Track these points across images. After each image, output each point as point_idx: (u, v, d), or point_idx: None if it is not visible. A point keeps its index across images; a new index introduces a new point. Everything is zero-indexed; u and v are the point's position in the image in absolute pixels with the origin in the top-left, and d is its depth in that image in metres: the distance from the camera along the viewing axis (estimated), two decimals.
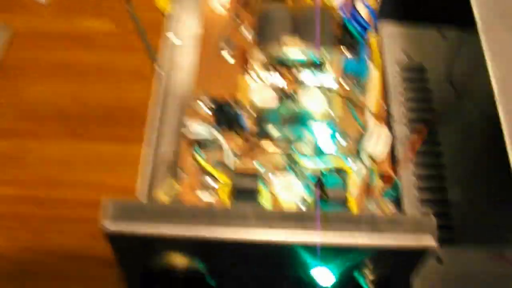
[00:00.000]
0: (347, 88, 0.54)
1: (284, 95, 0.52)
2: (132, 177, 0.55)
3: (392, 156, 0.51)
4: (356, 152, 0.51)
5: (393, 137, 0.54)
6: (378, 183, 0.47)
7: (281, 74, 0.53)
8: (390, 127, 0.55)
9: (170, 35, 0.60)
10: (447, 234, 0.53)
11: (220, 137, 0.48)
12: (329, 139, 0.48)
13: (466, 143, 0.59)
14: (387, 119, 0.55)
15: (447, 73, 0.64)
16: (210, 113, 0.51)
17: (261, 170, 0.48)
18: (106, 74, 0.67)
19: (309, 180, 0.48)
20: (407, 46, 0.67)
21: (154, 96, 0.53)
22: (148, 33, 0.69)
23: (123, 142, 0.61)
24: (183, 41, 0.65)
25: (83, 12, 0.72)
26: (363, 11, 0.55)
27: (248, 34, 0.57)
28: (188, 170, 0.48)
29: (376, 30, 0.55)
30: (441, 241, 0.52)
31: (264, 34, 0.54)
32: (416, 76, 0.65)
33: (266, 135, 0.48)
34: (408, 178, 0.54)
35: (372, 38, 0.56)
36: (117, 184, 0.58)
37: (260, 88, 0.51)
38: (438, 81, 0.64)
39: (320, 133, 0.48)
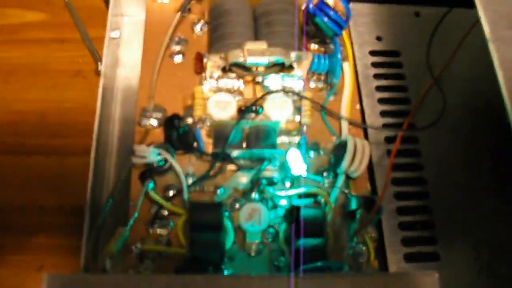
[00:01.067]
0: (317, 89, 0.47)
1: (245, 104, 0.45)
2: (74, 195, 0.48)
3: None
4: (329, 164, 0.44)
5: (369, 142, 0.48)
6: (361, 212, 0.40)
7: (242, 79, 0.46)
8: (365, 130, 0.49)
9: (109, 26, 0.52)
10: (432, 249, 0.48)
11: (172, 160, 0.41)
12: (299, 158, 0.41)
13: (447, 146, 0.53)
14: (362, 120, 0.49)
15: (423, 56, 0.57)
16: (155, 124, 0.44)
17: (222, 197, 0.42)
18: (38, 74, 0.58)
19: (280, 209, 0.41)
20: (378, 28, 0.60)
21: (96, 111, 0.45)
22: (87, 24, 0.60)
23: (61, 156, 0.53)
24: (127, 32, 0.57)
25: (11, 2, 0.63)
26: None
27: (199, 29, 0.50)
28: (137, 200, 0.41)
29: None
30: (426, 258, 0.49)
31: (219, 31, 0.46)
32: (389, 61, 0.58)
33: (226, 156, 0.41)
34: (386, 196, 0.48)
35: (345, 35, 0.49)
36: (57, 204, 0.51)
37: (218, 96, 0.44)
38: (413, 65, 0.58)
39: (289, 153, 0.41)
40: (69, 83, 0.58)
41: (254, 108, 0.42)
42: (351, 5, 0.60)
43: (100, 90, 0.47)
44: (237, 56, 0.42)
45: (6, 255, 0.49)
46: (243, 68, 0.44)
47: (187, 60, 0.48)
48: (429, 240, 0.49)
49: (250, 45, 0.42)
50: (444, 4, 0.62)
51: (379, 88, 0.56)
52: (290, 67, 0.45)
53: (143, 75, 0.47)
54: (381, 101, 0.55)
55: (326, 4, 0.45)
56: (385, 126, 0.53)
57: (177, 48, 0.49)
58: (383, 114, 0.54)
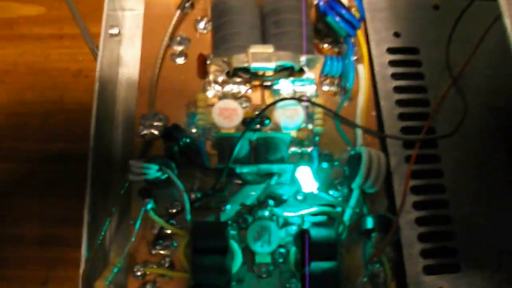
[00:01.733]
0: (330, 93, 0.44)
1: (253, 111, 0.42)
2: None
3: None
4: (343, 176, 0.41)
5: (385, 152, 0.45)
6: (377, 235, 0.37)
7: (249, 84, 0.43)
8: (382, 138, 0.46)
9: (105, 21, 0.49)
10: (453, 260, 0.45)
11: (173, 176, 0.38)
12: (310, 176, 0.38)
13: (467, 151, 0.50)
14: (378, 126, 0.45)
15: (443, 53, 0.54)
16: (156, 133, 0.41)
17: (229, 215, 0.39)
18: (37, 73, 0.55)
19: (290, 228, 0.39)
20: (396, 23, 0.56)
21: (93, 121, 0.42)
22: (87, 19, 0.56)
23: (63, 161, 0.51)
24: (128, 28, 0.53)
25: None
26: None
27: (203, 27, 0.46)
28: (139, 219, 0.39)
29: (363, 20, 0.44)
30: (447, 270, 0.46)
31: (222, 32, 0.42)
32: (408, 59, 0.55)
33: (232, 172, 0.38)
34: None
35: (360, 34, 0.45)
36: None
37: (223, 103, 0.41)
38: (433, 63, 0.54)
39: (299, 170, 0.38)
40: (70, 83, 0.55)
41: (260, 119, 0.39)
42: None
43: (95, 94, 0.44)
44: (241, 61, 0.39)
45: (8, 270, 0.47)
46: (249, 73, 0.41)
47: (190, 62, 0.45)
48: (450, 251, 0.46)
49: (255, 49, 0.39)
50: None
51: (397, 89, 0.52)
52: (301, 71, 0.42)
53: (142, 79, 0.44)
54: (399, 103, 0.51)
55: (338, 2, 0.41)
56: (403, 129, 0.50)
57: (178, 48, 0.45)
58: (401, 116, 0.51)
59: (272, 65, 0.39)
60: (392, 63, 0.54)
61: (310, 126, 0.42)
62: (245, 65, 0.39)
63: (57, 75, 0.55)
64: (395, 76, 0.53)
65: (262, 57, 0.39)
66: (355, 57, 0.43)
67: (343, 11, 0.40)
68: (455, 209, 0.48)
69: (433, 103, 0.52)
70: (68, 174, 0.49)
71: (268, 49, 0.39)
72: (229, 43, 0.41)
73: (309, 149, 0.41)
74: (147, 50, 0.45)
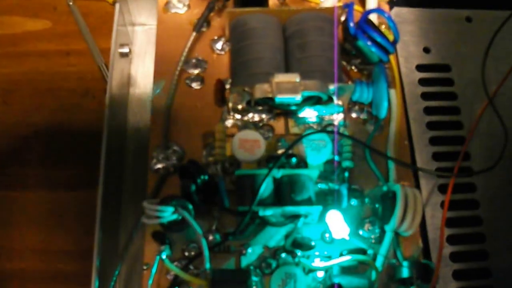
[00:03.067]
0: (360, 121, 0.40)
1: (276, 143, 0.38)
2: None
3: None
4: (374, 215, 0.38)
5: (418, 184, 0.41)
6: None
7: (271, 114, 0.39)
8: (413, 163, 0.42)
9: (114, 38, 0.45)
10: None
11: (189, 219, 0.34)
12: (340, 220, 0.35)
13: (505, 180, 0.46)
14: (411, 156, 0.42)
15: (477, 70, 0.50)
16: (171, 169, 0.38)
17: (251, 259, 0.35)
18: (43, 94, 0.52)
19: (317, 274, 0.35)
20: (425, 37, 0.53)
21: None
22: (95, 33, 0.53)
23: (69, 188, 0.47)
24: (139, 45, 0.50)
25: (11, 9, 0.56)
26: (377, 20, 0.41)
27: (220, 48, 0.43)
28: (151, 266, 0.35)
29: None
30: None
31: (243, 57, 0.39)
32: (439, 77, 0.51)
33: (255, 215, 0.35)
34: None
35: (392, 59, 0.41)
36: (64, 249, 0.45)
37: (243, 134, 0.37)
38: (466, 82, 0.51)
39: (328, 215, 0.35)
40: (77, 104, 0.51)
41: (286, 158, 0.35)
42: (394, 10, 0.53)
43: (105, 121, 0.40)
44: (265, 92, 0.35)
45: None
46: (272, 102, 0.37)
47: (207, 87, 0.41)
48: None
49: (280, 78, 0.35)
50: (501, 7, 0.54)
51: (428, 110, 0.48)
52: (329, 99, 0.38)
53: (155, 105, 0.40)
54: (430, 125, 0.48)
55: (370, 24, 0.37)
56: (435, 155, 0.46)
57: (194, 71, 0.42)
58: (433, 141, 0.47)
59: (299, 96, 0.35)
60: (422, 82, 0.50)
61: (338, 159, 0.38)
62: (269, 95, 0.35)
63: (64, 95, 0.51)
64: (425, 96, 0.49)
65: (287, 87, 0.35)
66: (386, 83, 0.39)
67: (376, 36, 0.37)
68: (491, 243, 0.44)
69: (468, 126, 0.48)
70: (75, 204, 0.46)
71: (294, 78, 0.36)
72: (250, 69, 0.38)
73: (338, 186, 0.37)
74: (160, 73, 0.42)
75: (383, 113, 0.38)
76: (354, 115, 0.41)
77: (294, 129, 0.39)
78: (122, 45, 0.47)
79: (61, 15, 0.56)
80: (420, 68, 0.51)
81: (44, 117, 0.50)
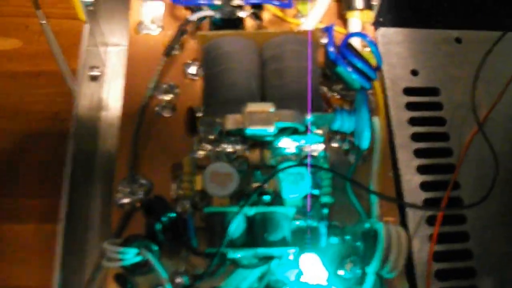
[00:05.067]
0: (340, 151, 0.38)
1: (251, 176, 0.35)
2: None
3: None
4: (355, 254, 0.35)
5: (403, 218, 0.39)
6: None
7: (245, 145, 0.36)
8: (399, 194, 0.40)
9: (82, 58, 0.43)
10: None
11: (154, 263, 0.31)
12: (318, 265, 0.32)
13: (495, 210, 0.44)
14: (396, 189, 0.39)
15: (467, 94, 0.48)
16: (137, 203, 0.35)
17: None
18: (10, 116, 0.49)
19: None
20: (413, 59, 0.50)
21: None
22: (68, 53, 0.50)
23: (30, 218, 0.45)
24: (111, 66, 0.48)
25: None
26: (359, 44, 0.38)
27: (194, 72, 0.40)
28: None
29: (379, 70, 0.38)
30: None
31: (215, 83, 0.36)
32: (427, 101, 0.49)
33: (225, 256, 0.32)
34: None
35: (376, 85, 0.39)
36: None
37: (215, 167, 0.35)
38: (455, 106, 0.48)
39: (303, 259, 0.32)
40: (44, 128, 0.48)
41: (259, 194, 0.33)
42: (381, 30, 0.51)
43: (68, 147, 0.38)
44: (237, 122, 0.33)
45: None
46: (245, 133, 0.35)
47: (178, 114, 0.39)
48: None
49: (253, 107, 0.33)
50: (491, 28, 0.52)
51: (415, 137, 0.46)
52: (307, 129, 0.36)
53: (123, 133, 0.38)
54: (418, 153, 0.45)
55: (351, 49, 0.35)
56: (424, 185, 0.44)
57: (165, 98, 0.39)
58: (421, 169, 0.45)
59: (272, 128, 0.33)
60: (409, 106, 0.48)
61: (316, 193, 0.36)
62: (241, 127, 0.33)
63: (32, 118, 0.49)
64: (413, 121, 0.47)
65: (260, 118, 0.33)
66: (368, 110, 0.37)
67: (358, 62, 0.34)
68: (482, 277, 0.42)
69: (457, 152, 0.46)
70: (39, 237, 0.43)
71: (268, 108, 0.33)
72: (222, 97, 0.35)
73: (316, 223, 0.34)
74: (129, 99, 0.39)
75: (365, 144, 0.36)
76: (335, 145, 0.38)
77: (271, 161, 0.36)
78: (92, 67, 0.45)
79: (33, 34, 0.53)
80: (407, 91, 0.48)
81: (10, 140, 0.48)
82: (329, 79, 0.39)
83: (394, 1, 0.52)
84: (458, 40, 0.51)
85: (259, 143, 0.37)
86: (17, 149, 0.48)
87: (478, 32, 0.52)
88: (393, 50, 0.50)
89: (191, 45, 0.41)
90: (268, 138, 0.36)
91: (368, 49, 0.40)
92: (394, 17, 0.52)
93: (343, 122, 0.37)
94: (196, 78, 0.40)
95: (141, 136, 0.38)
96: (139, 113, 0.37)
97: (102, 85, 0.47)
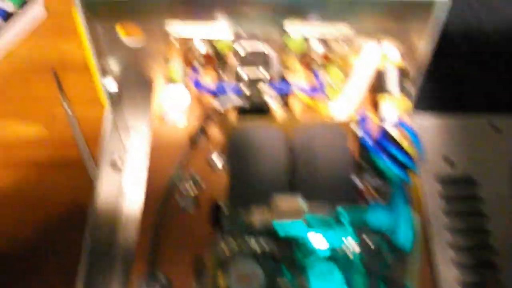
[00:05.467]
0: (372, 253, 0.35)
1: (278, 270, 0.33)
2: None
3: None
4: None
5: None
6: None
7: (272, 240, 0.34)
8: None
9: (108, 156, 0.42)
10: None
11: None
12: None
13: None
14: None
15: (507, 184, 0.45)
16: None
17: None
18: (30, 206, 0.48)
19: None
20: (447, 147, 0.48)
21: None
22: (90, 142, 0.50)
23: None
24: (132, 155, 0.46)
25: (6, 113, 0.54)
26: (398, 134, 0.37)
27: (219, 164, 0.38)
28: None
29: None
30: None
31: (240, 175, 0.35)
32: (464, 193, 0.46)
33: None
34: None
35: (415, 179, 0.37)
36: None
37: (240, 266, 0.32)
38: (495, 198, 0.46)
39: None
40: (64, 218, 0.47)
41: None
42: (416, 116, 0.49)
43: (87, 237, 0.36)
44: (263, 215, 0.31)
45: None
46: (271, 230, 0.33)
47: (202, 207, 0.37)
48: None
49: (281, 202, 0.31)
50: None
51: (453, 232, 0.43)
52: (338, 222, 0.33)
53: (143, 225, 0.36)
54: (456, 248, 0.42)
55: (390, 138, 0.33)
56: (465, 285, 0.40)
57: (188, 190, 0.37)
58: (461, 266, 0.41)
59: (304, 230, 0.31)
60: (445, 198, 0.45)
61: None
62: (267, 220, 0.31)
63: (52, 207, 0.47)
64: (449, 214, 0.44)
65: (289, 213, 0.30)
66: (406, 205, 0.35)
67: (397, 152, 0.32)
68: None
69: (500, 250, 0.43)
70: None
71: (297, 200, 0.31)
72: (248, 190, 0.33)
73: None
74: (151, 190, 0.37)
75: (403, 242, 0.33)
76: (369, 241, 0.36)
77: (299, 256, 0.34)
78: (113, 154, 0.43)
79: (59, 123, 0.53)
80: (442, 181, 0.46)
81: (29, 230, 0.46)
82: (363, 171, 0.37)
83: (429, 86, 0.51)
84: (496, 128, 0.49)
85: (287, 237, 0.34)
86: (35, 238, 0.46)
87: None
88: (425, 137, 0.48)
89: (216, 133, 0.39)
90: (297, 233, 0.33)
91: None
92: (430, 103, 0.51)
93: (377, 217, 0.34)
94: (221, 169, 0.38)
95: (162, 229, 0.36)
96: (160, 207, 0.35)
97: (123, 173, 0.45)
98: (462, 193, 0.45)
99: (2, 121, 0.53)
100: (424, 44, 0.38)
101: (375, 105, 0.41)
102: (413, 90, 0.40)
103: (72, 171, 0.49)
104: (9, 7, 0.59)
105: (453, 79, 0.53)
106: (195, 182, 0.37)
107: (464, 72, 0.53)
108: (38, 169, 0.50)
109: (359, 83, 0.39)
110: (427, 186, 0.46)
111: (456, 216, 0.44)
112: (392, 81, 0.39)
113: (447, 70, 0.53)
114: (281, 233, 0.33)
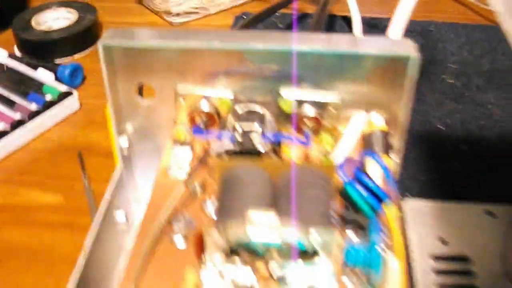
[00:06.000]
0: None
1: None
2: None
3: None
4: None
5: None
6: None
7: (251, 267, 0.35)
8: None
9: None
10: None
11: None
12: None
13: None
14: None
15: (502, 262, 0.45)
16: None
17: None
18: (38, 259, 0.50)
19: None
20: (441, 229, 0.49)
21: None
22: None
23: None
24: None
25: (32, 183, 0.58)
26: (376, 173, 0.39)
27: (212, 211, 0.41)
28: None
29: (396, 202, 0.38)
30: None
31: (225, 203, 0.37)
32: (458, 269, 0.46)
33: None
34: None
35: (390, 213, 0.39)
36: None
37: None
38: (489, 275, 0.46)
39: None
40: (68, 269, 0.49)
41: None
42: (409, 202, 0.51)
43: None
44: (239, 230, 0.33)
45: None
46: (252, 251, 0.34)
47: (190, 245, 0.39)
48: None
49: (256, 216, 0.33)
50: None
51: None
52: (315, 254, 0.35)
53: (130, 260, 0.38)
54: None
55: (369, 177, 0.36)
56: None
57: (180, 229, 0.40)
58: None
59: (276, 238, 0.32)
60: (438, 272, 0.46)
61: None
62: (249, 239, 0.32)
63: (57, 262, 0.50)
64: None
65: (269, 230, 0.33)
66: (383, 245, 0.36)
67: (370, 183, 0.35)
68: None
69: None
70: None
71: (271, 217, 0.33)
72: (230, 213, 0.36)
73: None
74: (145, 229, 0.40)
75: (376, 268, 0.34)
76: (346, 280, 0.36)
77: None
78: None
79: (76, 193, 0.57)
80: (435, 258, 0.47)
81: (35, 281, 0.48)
82: (344, 219, 0.39)
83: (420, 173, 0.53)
84: (491, 214, 0.51)
85: (269, 276, 0.36)
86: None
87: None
88: (420, 220, 0.50)
89: (212, 184, 0.42)
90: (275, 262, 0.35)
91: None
92: (422, 189, 0.53)
93: (357, 255, 0.36)
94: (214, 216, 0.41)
95: (152, 262, 0.38)
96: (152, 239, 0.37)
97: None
98: (455, 267, 0.46)
99: (27, 190, 0.57)
100: (402, 108, 0.41)
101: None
102: (398, 153, 0.43)
103: (83, 233, 0.52)
104: (48, 97, 0.66)
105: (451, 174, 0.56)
106: (187, 222, 0.40)
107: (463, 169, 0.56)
108: (51, 231, 0.53)
109: (346, 146, 0.43)
110: (419, 263, 0.47)
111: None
112: (377, 143, 0.42)
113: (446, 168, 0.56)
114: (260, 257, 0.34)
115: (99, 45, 0.43)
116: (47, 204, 0.56)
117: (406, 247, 0.44)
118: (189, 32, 0.44)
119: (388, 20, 0.49)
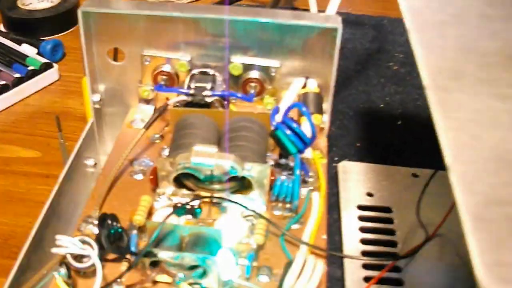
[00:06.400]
0: (281, 217, 0.43)
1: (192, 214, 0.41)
2: None
3: None
4: None
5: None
6: None
7: (194, 193, 0.43)
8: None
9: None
10: None
11: (93, 256, 0.36)
12: (231, 261, 0.36)
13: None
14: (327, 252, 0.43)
15: (416, 211, 0.53)
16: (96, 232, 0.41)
17: None
18: (15, 202, 0.57)
19: None
20: (369, 184, 0.57)
21: None
22: None
23: None
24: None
25: (12, 140, 0.65)
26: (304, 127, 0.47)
27: (167, 153, 0.48)
28: None
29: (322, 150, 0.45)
30: None
31: (177, 142, 0.45)
32: (379, 216, 0.54)
33: (156, 262, 0.37)
34: None
35: (315, 156, 0.46)
36: None
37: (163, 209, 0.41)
38: (404, 222, 0.53)
39: (219, 254, 0.36)
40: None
41: (190, 207, 0.38)
42: (342, 163, 0.59)
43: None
44: (185, 158, 0.40)
45: None
46: (196, 180, 0.42)
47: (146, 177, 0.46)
48: None
49: (199, 147, 0.40)
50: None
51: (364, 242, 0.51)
52: (249, 187, 0.42)
53: (95, 189, 0.45)
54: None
55: (291, 119, 0.43)
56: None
57: (140, 168, 0.47)
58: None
59: (212, 162, 0.40)
60: (362, 218, 0.53)
61: (251, 241, 0.41)
62: (193, 168, 0.40)
63: (33, 205, 0.56)
64: (363, 230, 0.52)
65: (204, 154, 0.40)
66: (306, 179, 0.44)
67: (295, 125, 0.42)
68: None
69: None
70: None
71: (212, 149, 0.40)
72: (180, 150, 0.43)
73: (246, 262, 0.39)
74: (109, 167, 0.47)
75: (294, 199, 0.42)
76: (277, 212, 0.44)
77: (216, 216, 0.42)
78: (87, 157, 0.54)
79: (52, 149, 0.64)
80: (361, 208, 0.54)
81: (9, 219, 0.55)
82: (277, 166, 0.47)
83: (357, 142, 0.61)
84: (415, 175, 0.58)
85: (210, 202, 0.43)
86: (13, 225, 0.55)
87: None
88: (351, 177, 0.58)
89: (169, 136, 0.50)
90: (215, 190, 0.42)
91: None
92: (358, 155, 0.61)
93: (281, 187, 0.43)
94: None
95: (113, 190, 0.45)
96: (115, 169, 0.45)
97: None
98: (376, 215, 0.54)
99: (8, 146, 0.64)
100: (331, 74, 0.49)
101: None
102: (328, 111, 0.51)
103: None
104: (31, 68, 0.73)
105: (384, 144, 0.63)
106: (147, 164, 0.47)
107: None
108: (27, 178, 0.60)
109: (285, 105, 0.50)
110: (346, 212, 0.54)
111: (371, 232, 0.52)
112: (310, 103, 0.50)
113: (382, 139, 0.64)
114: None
115: (79, 11, 0.50)
116: (25, 157, 0.63)
117: (335, 194, 0.52)
118: (157, 4, 0.51)
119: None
